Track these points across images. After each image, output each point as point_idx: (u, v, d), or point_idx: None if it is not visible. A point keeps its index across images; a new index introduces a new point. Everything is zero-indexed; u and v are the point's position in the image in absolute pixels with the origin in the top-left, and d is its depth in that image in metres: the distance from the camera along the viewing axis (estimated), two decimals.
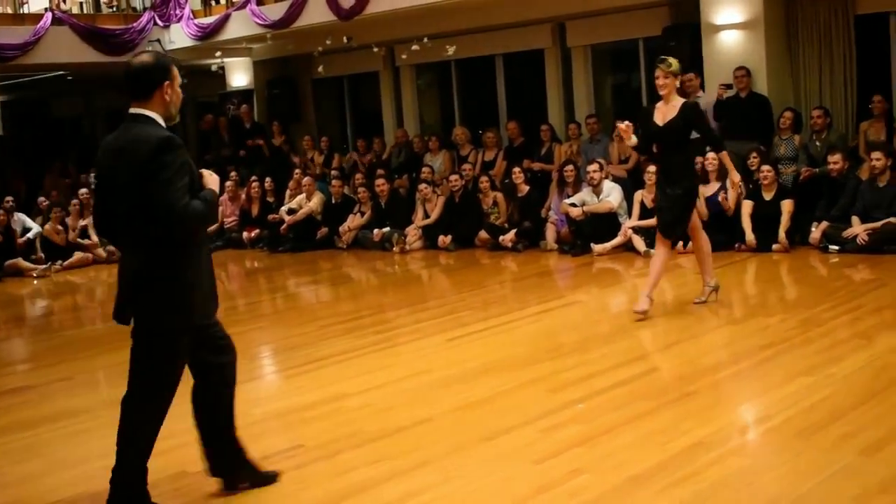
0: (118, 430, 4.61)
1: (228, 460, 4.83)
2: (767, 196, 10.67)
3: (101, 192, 4.56)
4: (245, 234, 14.88)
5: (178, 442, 5.63)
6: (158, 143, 4.20)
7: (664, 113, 7.78)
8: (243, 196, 15.38)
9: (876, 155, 10.12)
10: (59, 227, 14.46)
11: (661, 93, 7.76)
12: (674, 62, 7.73)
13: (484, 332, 7.98)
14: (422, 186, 13.37)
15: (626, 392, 5.92)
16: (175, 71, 4.44)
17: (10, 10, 16.40)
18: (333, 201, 14.35)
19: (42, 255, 14.21)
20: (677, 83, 7.77)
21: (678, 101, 7.75)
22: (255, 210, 15.10)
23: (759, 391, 5.93)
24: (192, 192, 4.28)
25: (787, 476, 4.47)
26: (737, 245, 10.68)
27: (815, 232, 10.34)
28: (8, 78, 18.79)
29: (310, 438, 5.47)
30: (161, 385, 4.55)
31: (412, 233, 13.19)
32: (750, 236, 10.56)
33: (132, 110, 4.39)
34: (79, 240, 14.52)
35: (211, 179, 4.49)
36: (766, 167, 10.70)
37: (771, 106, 11.70)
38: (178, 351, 4.54)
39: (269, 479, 4.89)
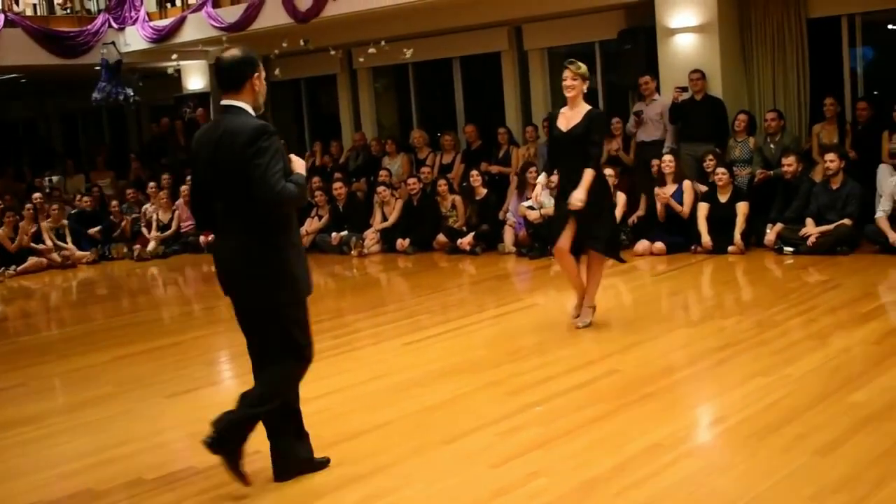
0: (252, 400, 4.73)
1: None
2: (723, 198, 10.76)
3: (200, 183, 4.78)
4: (202, 238, 14.75)
5: (134, 448, 5.62)
6: (255, 130, 4.49)
7: (568, 118, 7.43)
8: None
9: (829, 157, 10.23)
10: (14, 231, 14.24)
11: (569, 95, 7.41)
12: (583, 66, 7.45)
13: (442, 335, 7.98)
14: (380, 189, 13.34)
15: (584, 394, 5.94)
16: (261, 64, 4.77)
17: None
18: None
19: None
20: (585, 88, 7.43)
21: (584, 108, 7.38)
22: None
23: (715, 392, 5.97)
24: (284, 175, 4.53)
25: (743, 476, 4.51)
26: (693, 247, 10.77)
27: (770, 234, 10.45)
28: None
29: (267, 444, 5.41)
30: (302, 346, 4.92)
31: (370, 236, 13.16)
32: (706, 238, 10.64)
33: (224, 102, 4.70)
34: (32, 244, 14.34)
35: (298, 164, 4.71)
36: (721, 169, 10.79)
37: (726, 108, 11.80)
38: (299, 318, 4.90)
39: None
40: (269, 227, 4.59)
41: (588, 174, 7.19)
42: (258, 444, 5.41)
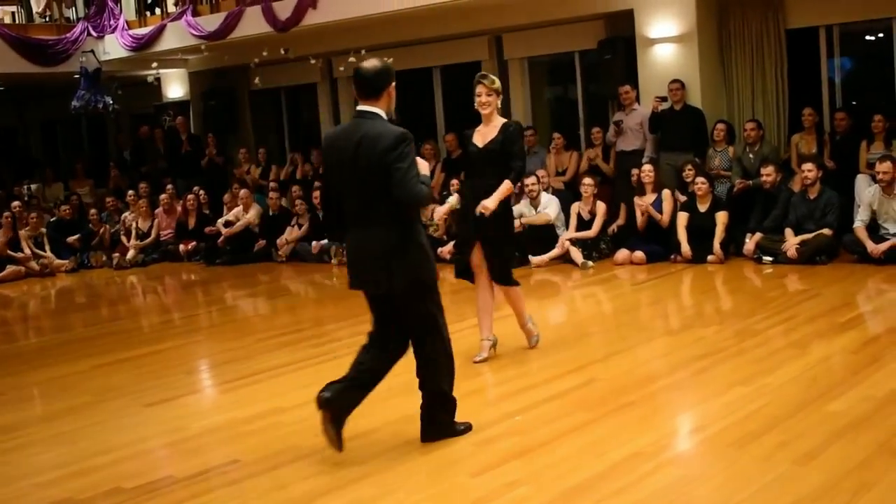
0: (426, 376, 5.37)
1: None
2: (702, 208, 10.80)
3: (333, 183, 5.26)
4: (181, 247, 14.72)
5: (113, 458, 5.59)
6: (397, 136, 4.96)
7: (484, 134, 6.97)
8: (179, 208, 15.22)
9: (807, 167, 10.29)
10: None
11: (484, 112, 6.96)
12: (497, 80, 6.99)
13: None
14: None
15: (564, 403, 5.94)
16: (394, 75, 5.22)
17: None
18: (271, 213, 14.27)
19: None
20: (498, 102, 6.97)
21: (499, 121, 6.95)
22: (191, 222, 14.95)
23: (695, 401, 5.98)
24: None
25: (723, 485, 4.52)
26: (672, 257, 10.80)
27: (749, 243, 10.50)
28: None
29: (247, 453, 5.42)
30: (442, 324, 5.33)
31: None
32: (685, 248, 10.67)
33: (361, 108, 5.14)
34: (10, 252, 14.26)
35: (423, 166, 5.13)
36: (700, 179, 10.83)
37: (705, 118, 11.86)
38: (437, 297, 5.31)
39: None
40: (409, 219, 5.11)
41: (506, 185, 6.78)
42: (238, 453, 5.39)
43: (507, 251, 7.27)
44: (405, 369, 7.05)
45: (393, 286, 5.12)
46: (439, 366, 5.34)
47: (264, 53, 14.21)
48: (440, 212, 7.16)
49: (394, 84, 5.18)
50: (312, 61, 15.02)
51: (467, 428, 5.47)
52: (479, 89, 6.92)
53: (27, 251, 14.41)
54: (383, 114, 5.13)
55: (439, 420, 5.39)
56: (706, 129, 11.83)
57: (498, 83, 7.00)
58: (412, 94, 16.16)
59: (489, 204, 6.70)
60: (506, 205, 6.96)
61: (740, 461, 4.75)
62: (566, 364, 6.87)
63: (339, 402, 5.17)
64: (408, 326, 5.28)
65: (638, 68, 12.43)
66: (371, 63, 5.17)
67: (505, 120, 7.04)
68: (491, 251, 7.03)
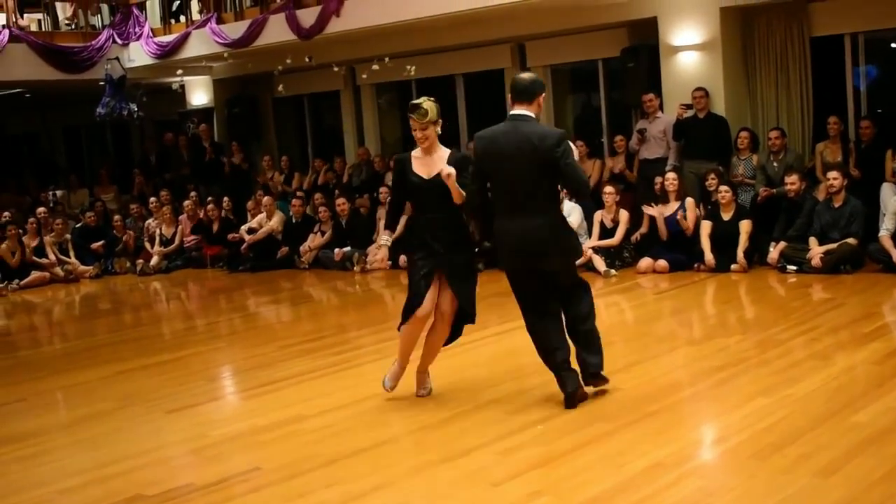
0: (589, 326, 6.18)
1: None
2: (726, 216, 10.75)
3: (483, 175, 6.03)
4: (206, 253, 14.78)
5: (134, 464, 5.61)
6: (560, 136, 5.83)
7: (429, 165, 6.30)
8: (202, 215, 15.28)
9: (833, 174, 10.22)
10: (17, 245, 14.21)
11: (423, 146, 6.33)
12: (429, 109, 6.27)
13: (444, 352, 7.88)
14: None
15: (586, 413, 5.92)
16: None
17: None
18: (294, 221, 14.31)
19: None
20: (438, 130, 6.33)
21: (444, 152, 6.35)
22: (215, 229, 15.01)
23: (716, 412, 5.95)
24: None
25: (743, 497, 4.49)
26: (696, 265, 10.75)
27: (773, 252, 10.44)
28: None
29: (267, 461, 5.43)
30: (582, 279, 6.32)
31: (373, 251, 13.15)
32: (709, 256, 10.62)
33: (516, 111, 5.92)
34: (35, 258, 14.35)
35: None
36: (723, 187, 10.78)
37: (729, 126, 11.81)
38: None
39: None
40: (557, 207, 6.13)
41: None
42: (259, 460, 5.41)
43: (473, 284, 6.63)
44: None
45: (558, 262, 6.04)
46: (593, 311, 6.23)
47: (288, 61, 14.26)
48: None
49: (544, 94, 6.00)
50: (336, 69, 15.06)
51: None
52: (412, 124, 6.30)
53: (52, 257, 14.51)
54: (534, 116, 5.91)
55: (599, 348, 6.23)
56: (730, 138, 11.78)
57: (432, 112, 6.26)
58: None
59: (450, 169, 6.12)
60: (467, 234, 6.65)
61: (761, 473, 4.72)
62: None
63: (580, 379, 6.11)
64: (566, 290, 6.14)
65: (661, 76, 12.41)
66: (526, 74, 6.13)
67: (449, 150, 6.42)
68: (461, 288, 6.42)
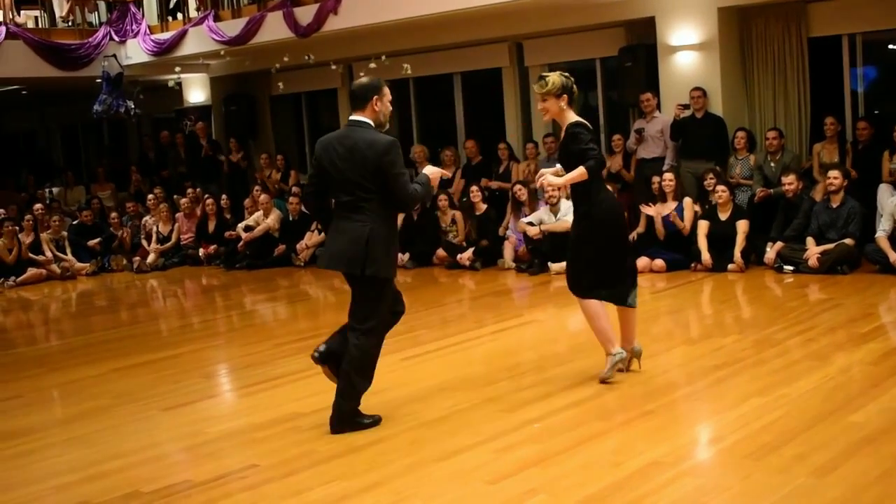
0: (345, 367, 5.79)
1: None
2: (723, 216, 10.76)
3: (321, 178, 5.87)
4: (201, 251, 14.77)
5: (131, 461, 5.61)
6: (387, 145, 5.65)
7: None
8: (199, 212, 15.27)
9: (833, 174, 10.22)
10: (13, 242, 14.20)
11: (544, 118, 6.75)
12: (552, 80, 6.45)
13: (441, 350, 7.97)
14: None
15: (582, 412, 5.92)
16: (385, 89, 5.88)
17: None
18: (291, 218, 14.30)
19: None
20: (563, 104, 6.47)
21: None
22: (211, 226, 15.00)
23: (712, 411, 5.95)
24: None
25: (739, 497, 4.49)
26: (693, 265, 10.75)
27: (770, 252, 10.44)
28: None
29: (264, 458, 5.43)
30: (382, 321, 5.87)
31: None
32: (706, 256, 10.63)
33: (352, 118, 5.84)
34: (32, 255, 14.34)
35: (429, 170, 6.04)
36: (721, 187, 10.79)
37: (726, 126, 11.82)
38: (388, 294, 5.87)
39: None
40: (387, 215, 5.82)
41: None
42: (255, 457, 5.40)
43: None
44: (421, 376, 7.08)
45: (363, 271, 5.66)
46: (367, 365, 5.87)
47: (285, 59, 14.25)
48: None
49: (380, 97, 5.81)
50: (333, 67, 15.06)
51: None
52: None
53: (49, 254, 14.50)
54: (372, 123, 5.79)
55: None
56: (727, 137, 11.79)
57: (551, 85, 6.41)
58: (432, 101, 16.20)
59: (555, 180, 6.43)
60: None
61: (757, 473, 4.72)
62: (584, 372, 6.83)
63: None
64: (357, 308, 5.81)
65: (659, 76, 12.41)
66: (362, 79, 5.93)
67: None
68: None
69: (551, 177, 6.39)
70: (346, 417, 5.80)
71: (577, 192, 6.47)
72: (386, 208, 5.74)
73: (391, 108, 5.96)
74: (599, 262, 6.50)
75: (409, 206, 6.12)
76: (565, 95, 6.41)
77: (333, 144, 5.82)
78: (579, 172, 6.20)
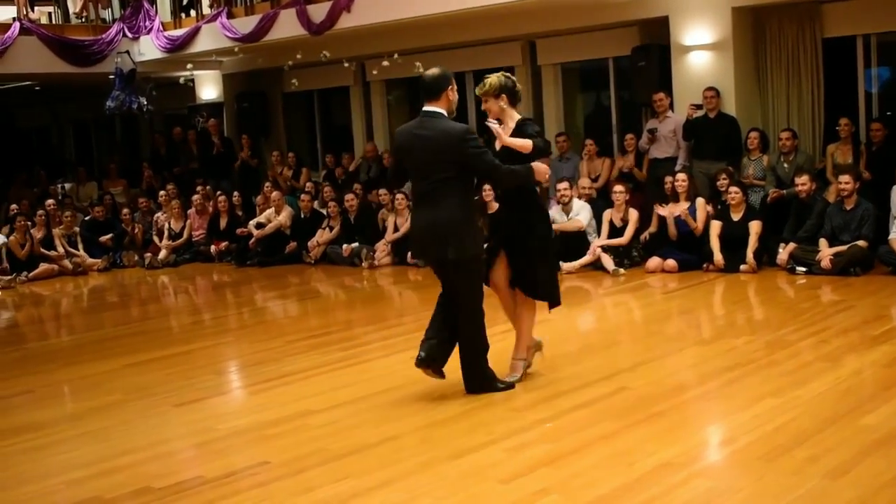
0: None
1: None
2: (735, 217, 10.72)
3: (400, 166, 6.40)
4: (213, 248, 14.79)
5: (142, 457, 5.62)
6: (462, 131, 6.06)
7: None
8: (211, 209, 15.29)
9: (844, 178, 10.18)
10: (26, 237, 14.26)
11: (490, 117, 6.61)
12: (491, 80, 6.53)
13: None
14: (400, 197, 13.24)
15: (594, 412, 5.91)
16: (453, 81, 6.22)
17: None
18: (302, 216, 14.30)
19: (7, 265, 14.07)
20: (502, 104, 6.53)
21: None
22: (223, 223, 15.02)
23: (724, 412, 5.93)
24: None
25: (752, 499, 4.47)
26: (705, 265, 10.72)
27: (783, 253, 10.41)
28: None
29: (275, 455, 5.43)
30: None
31: (381, 248, 13.15)
32: (718, 257, 10.60)
33: (426, 108, 6.13)
34: (44, 251, 14.38)
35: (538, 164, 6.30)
36: (734, 188, 10.75)
37: (739, 127, 11.78)
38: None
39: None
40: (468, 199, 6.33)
41: None
42: (267, 454, 5.40)
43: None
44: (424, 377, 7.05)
45: (447, 256, 6.01)
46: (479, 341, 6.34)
47: (298, 56, 14.26)
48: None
49: (453, 87, 6.15)
50: (346, 64, 15.05)
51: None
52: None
53: (60, 250, 14.54)
54: (445, 112, 6.09)
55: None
56: (740, 138, 11.75)
57: (488, 86, 6.53)
58: None
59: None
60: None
61: (770, 474, 4.70)
62: (596, 372, 6.83)
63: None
64: (454, 292, 6.17)
65: (672, 75, 12.39)
66: (432, 70, 6.16)
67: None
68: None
69: (498, 127, 6.37)
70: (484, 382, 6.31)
71: (516, 199, 6.56)
72: (464, 193, 6.10)
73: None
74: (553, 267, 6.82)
75: (501, 179, 6.33)
76: (504, 95, 6.50)
77: (413, 133, 6.16)
78: (524, 142, 6.29)
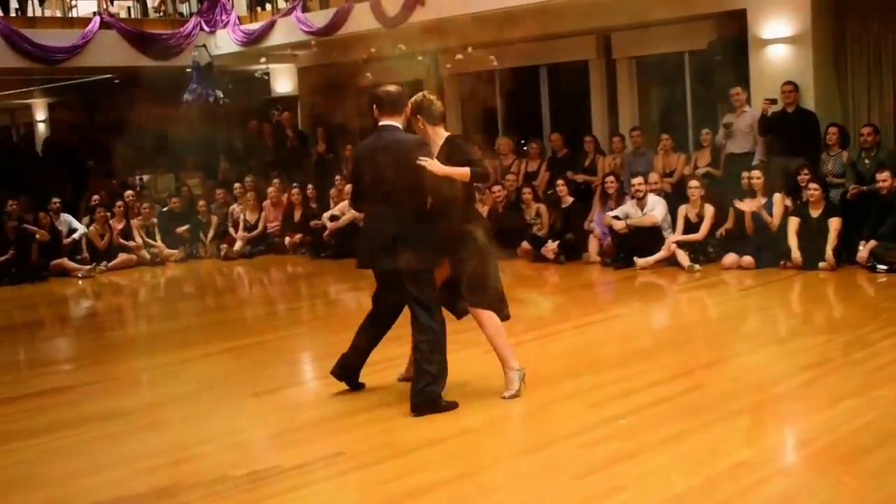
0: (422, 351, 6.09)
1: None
2: (814, 213, 10.54)
3: (362, 176, 6.31)
4: (287, 240, 14.92)
5: (219, 445, 5.68)
6: (418, 140, 6.16)
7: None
8: (286, 201, 15.43)
9: (881, 176, 9.95)
10: (105, 228, 14.54)
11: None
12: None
13: (524, 343, 7.91)
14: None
15: (668, 409, 5.86)
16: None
17: (59, 14, 16.59)
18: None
19: (87, 255, 14.37)
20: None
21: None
22: (297, 215, 15.14)
23: (802, 412, 5.84)
24: None
25: (830, 501, 4.40)
26: (782, 262, 10.55)
27: (863, 251, 10.20)
28: (56, 80, 18.99)
29: (349, 446, 5.47)
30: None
31: None
32: (796, 254, 10.43)
33: (383, 122, 6.23)
34: (122, 241, 14.64)
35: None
36: (813, 185, 10.57)
37: (818, 122, 11.58)
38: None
39: None
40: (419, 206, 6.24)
41: None
42: (342, 445, 5.44)
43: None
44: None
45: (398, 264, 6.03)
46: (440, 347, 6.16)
47: (372, 50, 14.31)
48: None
49: (407, 105, 6.28)
50: (420, 58, 15.07)
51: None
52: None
53: (139, 240, 14.79)
54: (401, 126, 6.24)
55: None
56: (819, 133, 11.54)
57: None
58: (518, 93, 16.15)
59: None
60: None
61: (849, 476, 4.62)
62: (670, 369, 6.77)
63: None
64: (408, 300, 6.17)
65: (749, 69, 12.21)
66: (392, 87, 6.32)
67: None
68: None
69: (433, 162, 6.08)
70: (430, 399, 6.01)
71: (450, 210, 6.25)
72: (419, 202, 6.13)
73: None
74: (495, 271, 6.39)
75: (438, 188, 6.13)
76: (419, 115, 6.34)
77: (370, 147, 6.29)
78: (463, 172, 6.07)
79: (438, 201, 6.21)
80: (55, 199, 14.86)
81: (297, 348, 8.74)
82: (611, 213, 11.71)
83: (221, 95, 16.46)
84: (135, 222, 14.91)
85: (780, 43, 11.92)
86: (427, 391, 5.96)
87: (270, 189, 15.53)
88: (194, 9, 17.60)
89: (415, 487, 4.80)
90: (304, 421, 6.12)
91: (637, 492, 4.58)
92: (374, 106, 6.28)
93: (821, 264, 10.28)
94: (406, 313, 6.24)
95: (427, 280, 6.14)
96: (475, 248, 6.22)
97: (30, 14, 16.13)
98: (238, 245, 15.07)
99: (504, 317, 6.42)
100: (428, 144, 6.13)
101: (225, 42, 16.60)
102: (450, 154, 6.20)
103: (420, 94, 6.44)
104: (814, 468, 4.90)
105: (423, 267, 6.10)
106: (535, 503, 4.58)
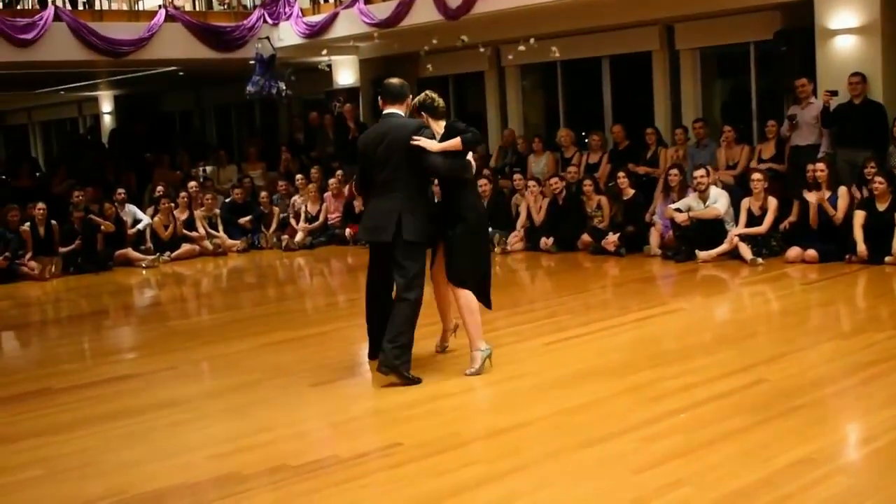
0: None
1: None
2: (881, 206, 10.36)
3: (368, 160, 6.81)
4: (348, 231, 14.99)
5: (279, 435, 5.74)
6: (418, 125, 6.71)
7: None
8: (347, 193, 15.50)
9: None
10: (169, 219, 14.73)
11: None
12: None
13: (583, 336, 7.91)
14: (532, 184, 13.29)
15: (729, 404, 5.80)
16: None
17: (125, 7, 16.80)
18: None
19: (151, 245, 14.56)
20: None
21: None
22: (358, 207, 15.19)
23: (865, 409, 5.75)
24: None
25: (893, 499, 4.33)
26: (847, 256, 10.39)
27: None
28: (122, 73, 19.26)
29: (407, 437, 5.48)
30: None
31: (515, 234, 13.16)
32: (861, 247, 10.26)
33: (388, 110, 6.86)
34: (186, 232, 14.82)
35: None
36: (879, 178, 10.38)
37: (886, 114, 11.37)
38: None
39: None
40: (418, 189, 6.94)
41: None
42: (399, 436, 5.46)
43: None
44: (563, 362, 7.04)
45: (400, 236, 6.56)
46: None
47: (434, 41, 14.32)
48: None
49: (410, 96, 6.96)
50: (482, 49, 15.05)
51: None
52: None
53: (202, 231, 14.96)
54: (403, 114, 6.81)
55: None
56: (887, 125, 11.33)
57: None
58: (580, 84, 16.07)
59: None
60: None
61: None
62: (731, 363, 6.71)
63: None
64: (392, 268, 6.70)
65: (816, 60, 12.01)
66: (396, 79, 7.01)
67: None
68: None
69: (427, 140, 6.68)
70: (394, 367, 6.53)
71: (451, 194, 6.99)
72: (419, 182, 6.79)
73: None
74: (483, 258, 7.11)
75: (437, 168, 6.72)
76: (423, 113, 7.00)
77: (374, 132, 6.87)
78: (454, 143, 6.66)
79: (441, 185, 7.04)
80: (120, 191, 15.09)
81: (357, 339, 8.73)
82: (673, 206, 11.61)
83: (284, 87, 16.56)
84: (198, 213, 15.08)
85: (847, 33, 11.71)
86: (396, 361, 6.50)
87: (332, 180, 15.62)
88: (258, 1, 17.72)
89: (470, 479, 4.81)
90: (362, 411, 6.16)
91: (696, 487, 4.54)
92: (379, 96, 7.01)
93: (887, 259, 10.10)
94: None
95: (416, 255, 6.67)
96: (466, 231, 6.81)
97: (97, 7, 16.35)
98: (299, 236, 15.18)
99: (487, 305, 7.12)
100: (428, 128, 6.72)
101: (288, 34, 16.69)
102: (447, 136, 6.77)
103: (423, 93, 7.08)
104: (876, 465, 4.83)
105: (416, 240, 6.63)
106: (592, 497, 4.56)
